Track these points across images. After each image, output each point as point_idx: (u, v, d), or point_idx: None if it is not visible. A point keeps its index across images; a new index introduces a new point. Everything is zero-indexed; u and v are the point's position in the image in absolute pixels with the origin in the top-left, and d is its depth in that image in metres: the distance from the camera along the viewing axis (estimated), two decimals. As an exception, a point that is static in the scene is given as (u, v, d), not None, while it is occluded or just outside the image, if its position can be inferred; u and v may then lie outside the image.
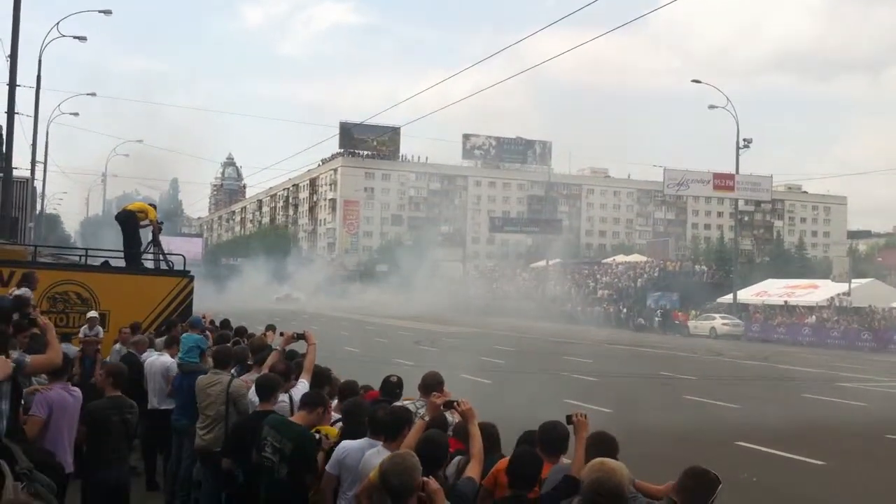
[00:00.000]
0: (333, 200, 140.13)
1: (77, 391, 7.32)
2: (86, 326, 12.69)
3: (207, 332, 11.88)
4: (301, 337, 8.63)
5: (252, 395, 7.79)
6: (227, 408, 8.36)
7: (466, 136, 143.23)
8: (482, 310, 78.99)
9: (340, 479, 5.90)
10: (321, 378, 8.07)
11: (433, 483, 4.55)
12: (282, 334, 9.13)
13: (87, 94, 59.75)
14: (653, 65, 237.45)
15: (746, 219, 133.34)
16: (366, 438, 5.93)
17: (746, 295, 62.57)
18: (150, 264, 15.52)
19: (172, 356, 10.65)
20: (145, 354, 11.03)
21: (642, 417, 17.36)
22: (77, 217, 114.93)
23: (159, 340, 11.73)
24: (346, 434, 6.26)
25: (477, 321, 63.41)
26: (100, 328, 12.63)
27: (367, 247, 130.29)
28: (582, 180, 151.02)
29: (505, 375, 25.51)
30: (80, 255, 17.08)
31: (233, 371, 8.83)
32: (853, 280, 57.62)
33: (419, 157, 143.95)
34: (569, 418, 5.44)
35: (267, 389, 7.19)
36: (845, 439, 16.70)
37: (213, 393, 8.45)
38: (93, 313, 12.89)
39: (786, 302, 59.16)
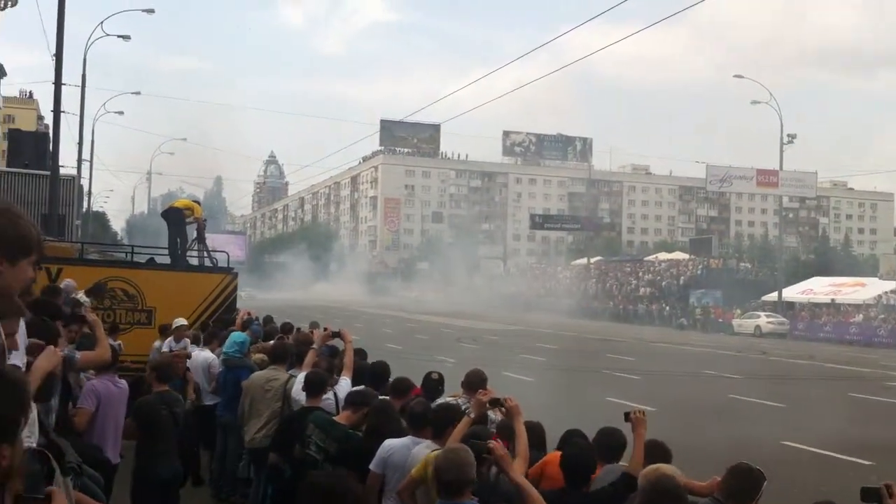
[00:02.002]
0: (374, 198, 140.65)
1: (123, 383, 7.41)
2: (171, 339, 11.58)
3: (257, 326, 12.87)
4: (337, 335, 8.60)
5: (297, 391, 7.79)
6: (283, 406, 8.32)
7: (507, 133, 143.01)
8: (523, 307, 78.77)
9: (385, 477, 5.89)
10: (380, 376, 7.97)
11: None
12: (325, 329, 9.13)
13: (132, 93, 60.50)
14: (694, 60, 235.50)
15: (791, 216, 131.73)
16: (409, 436, 5.93)
17: (791, 293, 61.75)
18: (194, 261, 15.65)
19: (213, 352, 10.79)
20: (191, 349, 11.15)
21: (686, 416, 17.19)
22: (123, 214, 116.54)
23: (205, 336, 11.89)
24: (371, 432, 6.23)
25: (518, 318, 63.24)
26: (187, 341, 11.31)
27: (408, 244, 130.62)
28: (623, 177, 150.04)
29: (547, 373, 25.41)
30: (126, 252, 17.29)
31: (291, 371, 8.80)
32: (901, 278, 56.64)
33: (459, 155, 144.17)
34: (627, 415, 5.39)
35: (316, 386, 7.19)
36: (894, 439, 16.40)
37: (271, 390, 8.44)
38: (180, 321, 11.80)
39: (832, 300, 58.28)
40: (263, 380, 8.61)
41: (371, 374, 8.06)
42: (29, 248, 2.47)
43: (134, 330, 13.11)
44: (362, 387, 7.31)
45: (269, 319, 15.34)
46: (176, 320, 11.84)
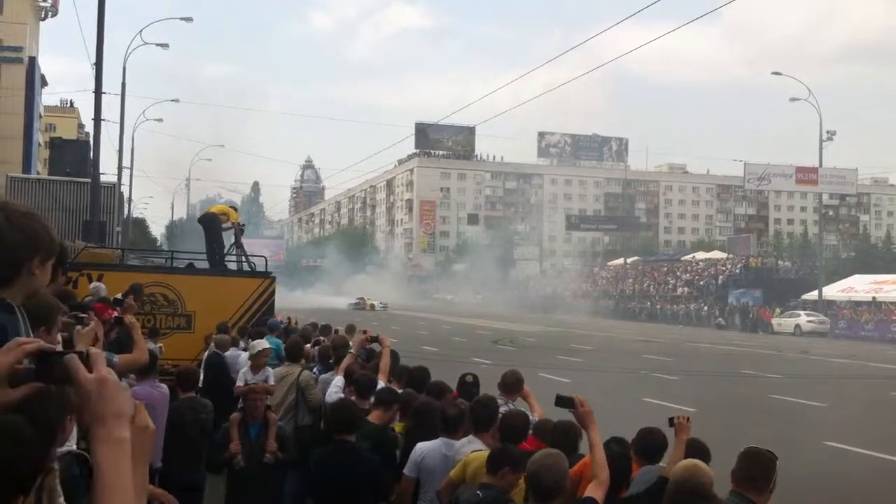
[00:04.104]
0: (410, 201, 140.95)
1: (164, 387, 7.53)
2: (247, 368, 9.45)
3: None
4: (375, 340, 8.70)
5: (331, 395, 7.88)
6: (296, 398, 8.71)
7: (541, 135, 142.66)
8: (560, 308, 78.57)
9: (420, 480, 5.92)
10: (420, 380, 8.03)
11: (587, 404, 4.74)
12: (364, 332, 9.24)
13: (171, 101, 61.31)
14: (730, 58, 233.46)
15: (831, 213, 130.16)
16: (440, 439, 5.94)
17: (832, 291, 61.01)
18: (232, 266, 15.81)
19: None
20: (229, 352, 11.31)
21: (726, 416, 17.06)
22: (162, 220, 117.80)
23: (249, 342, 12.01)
24: (412, 434, 6.27)
25: (554, 319, 63.12)
26: (269, 371, 9.31)
27: (444, 246, 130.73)
28: (659, 176, 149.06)
29: (584, 374, 25.34)
30: (166, 258, 17.50)
31: (315, 367, 9.09)
32: (944, 275, 55.78)
33: (494, 157, 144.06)
34: (671, 420, 5.37)
35: (367, 388, 7.26)
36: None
37: (286, 384, 8.82)
38: (261, 344, 9.69)
39: (873, 298, 57.46)
40: (279, 377, 9.04)
41: (409, 378, 8.13)
42: (55, 251, 2.58)
43: (174, 334, 13.27)
44: (390, 385, 7.40)
45: (313, 326, 15.48)
46: (254, 344, 9.90)
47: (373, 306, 74.46)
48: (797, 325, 53.79)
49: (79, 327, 5.08)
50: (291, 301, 47.77)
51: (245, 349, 11.54)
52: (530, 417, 6.49)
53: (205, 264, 15.38)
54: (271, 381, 9.14)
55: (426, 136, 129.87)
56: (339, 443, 6.03)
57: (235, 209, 16.70)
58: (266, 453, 7.30)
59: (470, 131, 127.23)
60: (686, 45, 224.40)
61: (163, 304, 13.53)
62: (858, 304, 57.99)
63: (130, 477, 1.75)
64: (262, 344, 9.88)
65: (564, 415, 5.19)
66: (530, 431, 6.04)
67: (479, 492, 4.64)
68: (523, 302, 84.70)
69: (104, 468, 1.71)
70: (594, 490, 4.49)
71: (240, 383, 9.26)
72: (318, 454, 6.22)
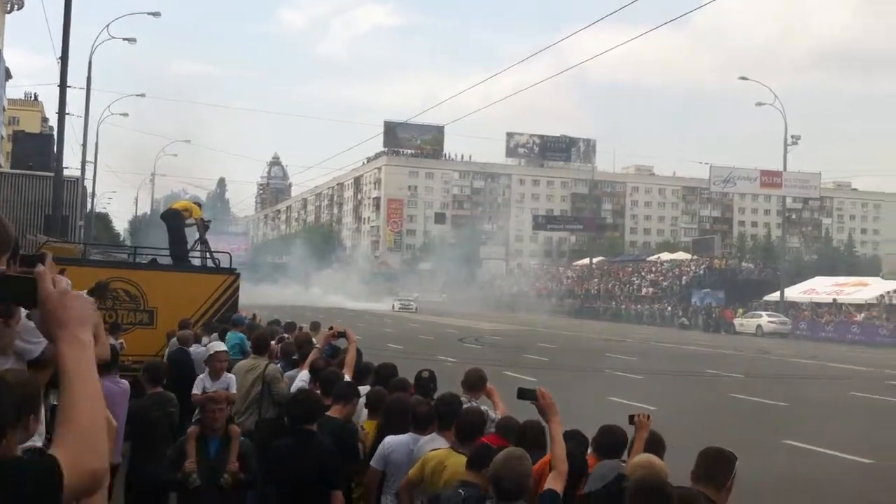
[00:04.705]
0: (377, 199, 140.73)
1: (124, 383, 7.46)
2: (205, 374, 8.84)
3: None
4: (342, 335, 8.71)
5: (296, 388, 7.90)
6: (261, 391, 8.64)
7: (510, 135, 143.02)
8: (525, 307, 78.87)
9: (386, 473, 5.96)
10: (386, 377, 8.06)
11: (549, 396, 4.78)
12: (330, 328, 9.24)
13: (137, 95, 60.75)
14: (698, 62, 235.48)
15: (794, 216, 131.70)
16: (409, 434, 5.99)
17: (794, 293, 61.80)
18: (196, 262, 15.70)
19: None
20: (192, 348, 11.25)
21: (688, 415, 17.22)
22: (126, 216, 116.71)
23: (213, 337, 11.93)
24: (384, 431, 6.29)
25: (520, 319, 63.31)
26: (231, 378, 8.71)
27: (411, 245, 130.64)
28: (626, 178, 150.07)
29: (549, 373, 25.43)
30: (129, 253, 17.34)
31: (278, 364, 9.06)
32: (903, 278, 56.66)
33: (463, 156, 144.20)
34: (631, 418, 5.40)
35: (330, 383, 7.27)
36: (894, 438, 16.42)
37: (252, 376, 8.75)
38: (217, 345, 9.26)
39: (834, 300, 58.27)
40: (245, 369, 8.95)
41: (376, 375, 8.17)
42: (9, 244, 2.59)
43: (135, 330, 13.17)
44: (348, 380, 7.42)
45: (275, 323, 15.41)
46: (210, 346, 9.58)
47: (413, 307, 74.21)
48: (759, 326, 54.39)
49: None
50: (257, 297, 47.50)
51: (207, 345, 11.47)
52: (492, 415, 6.54)
53: (168, 260, 15.27)
54: (233, 389, 8.53)
55: (395, 134, 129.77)
56: (297, 432, 6.03)
57: (199, 205, 16.57)
58: (224, 473, 6.44)
59: (439, 130, 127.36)
60: (655, 49, 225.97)
61: (125, 299, 13.42)
62: (819, 305, 58.76)
63: (95, 372, 1.89)
64: (219, 345, 9.39)
65: (529, 413, 5.21)
66: (492, 429, 6.06)
67: (461, 490, 4.65)
68: (489, 301, 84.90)
69: (69, 364, 1.83)
70: (553, 482, 4.52)
71: (196, 391, 8.54)
72: (276, 443, 6.23)
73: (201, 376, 8.86)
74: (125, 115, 59.86)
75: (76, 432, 1.77)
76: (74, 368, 1.84)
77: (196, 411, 7.67)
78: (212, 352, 9.00)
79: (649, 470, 4.13)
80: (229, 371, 8.88)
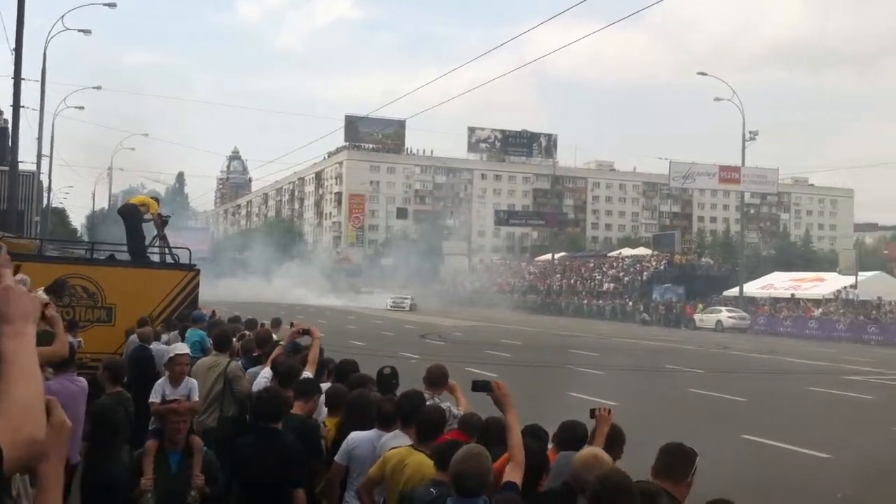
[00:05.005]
0: (339, 194, 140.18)
1: (82, 381, 7.34)
2: (164, 380, 8.32)
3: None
4: (306, 332, 8.69)
5: (258, 385, 7.85)
6: (223, 389, 8.56)
7: (472, 130, 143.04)
8: (488, 303, 79.04)
9: (349, 469, 5.96)
10: (346, 373, 8.04)
11: (504, 387, 4.84)
12: (292, 325, 9.20)
13: (93, 88, 60.02)
14: (658, 57, 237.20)
15: (752, 212, 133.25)
16: (374, 430, 5.99)
17: (752, 288, 62.52)
18: (156, 258, 15.53)
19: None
20: (153, 345, 11.13)
21: (648, 410, 17.35)
22: (83, 211, 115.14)
23: (172, 335, 11.81)
24: (345, 429, 6.25)
25: (483, 314, 63.42)
26: (193, 384, 8.24)
27: (373, 240, 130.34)
28: (587, 173, 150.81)
29: (511, 368, 25.50)
30: (86, 249, 17.11)
31: (239, 361, 8.99)
32: (860, 273, 57.59)
33: (424, 151, 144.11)
34: (592, 412, 5.42)
35: (288, 377, 7.26)
36: (851, 432, 16.68)
37: (213, 373, 8.67)
38: (180, 347, 8.85)
39: (792, 295, 59.07)
40: (206, 366, 8.87)
41: (337, 371, 8.16)
42: None
43: (93, 327, 13.00)
44: (310, 376, 7.39)
45: (235, 319, 15.27)
46: (169, 348, 9.07)
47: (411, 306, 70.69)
48: (719, 321, 54.97)
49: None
50: (218, 293, 47.13)
51: (168, 343, 11.33)
52: (455, 411, 6.54)
53: (127, 256, 15.08)
54: (195, 396, 8.03)
55: (356, 129, 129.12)
56: (261, 430, 6.00)
57: (157, 200, 16.38)
58: (191, 490, 5.91)
59: (400, 125, 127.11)
60: (615, 44, 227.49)
61: (82, 296, 13.24)
62: (777, 300, 59.54)
63: (36, 360, 1.93)
64: (179, 347, 8.84)
65: (493, 409, 5.20)
66: (455, 426, 6.05)
67: (432, 489, 4.64)
68: (451, 297, 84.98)
69: (10, 355, 1.88)
70: (512, 473, 4.53)
71: (155, 398, 7.86)
72: (240, 441, 6.19)
73: (160, 381, 8.29)
74: (81, 108, 59.16)
75: (14, 403, 1.82)
76: (15, 357, 1.88)
77: (152, 420, 7.26)
78: (172, 354, 8.40)
79: (599, 463, 4.14)
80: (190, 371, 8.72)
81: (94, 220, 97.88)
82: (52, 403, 1.97)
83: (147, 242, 15.44)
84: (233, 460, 6.24)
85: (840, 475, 12.73)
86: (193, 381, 8.23)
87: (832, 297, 56.22)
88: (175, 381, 8.12)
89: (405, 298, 73.53)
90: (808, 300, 57.31)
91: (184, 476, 5.97)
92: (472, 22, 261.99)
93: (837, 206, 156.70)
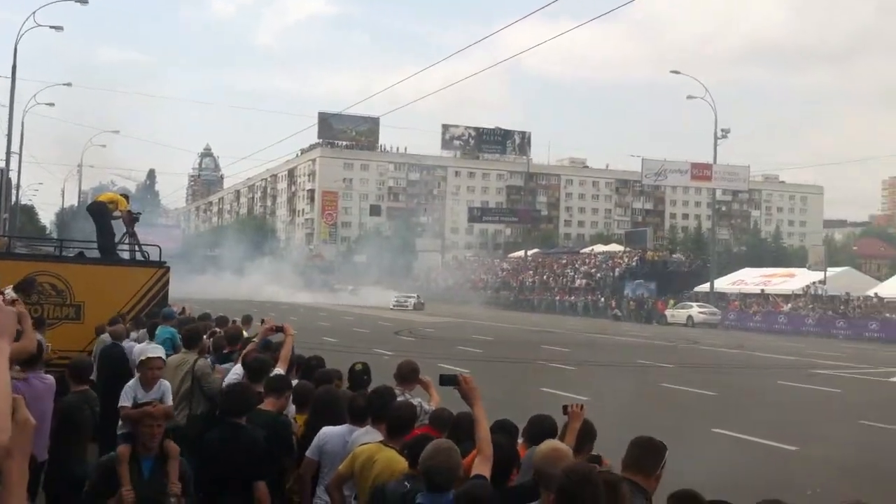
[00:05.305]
0: (312, 191, 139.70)
1: (49, 378, 7.28)
2: (135, 382, 7.91)
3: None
4: (280, 329, 8.68)
5: (229, 381, 7.89)
6: (192, 386, 8.54)
7: (445, 127, 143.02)
8: (461, 299, 79.09)
9: (321, 464, 5.96)
10: (312, 370, 8.03)
11: (471, 381, 4.88)
12: (262, 321, 9.19)
13: (64, 84, 59.42)
14: (631, 56, 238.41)
15: (724, 209, 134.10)
16: (346, 425, 5.99)
17: (723, 284, 63.01)
18: (126, 255, 15.39)
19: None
20: (124, 343, 11.05)
21: (619, 405, 17.44)
22: (53, 208, 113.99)
23: (141, 332, 11.72)
24: (313, 425, 6.24)
25: (455, 311, 63.46)
26: (166, 386, 7.99)
27: (346, 237, 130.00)
28: (560, 170, 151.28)
29: (483, 365, 25.55)
30: (55, 246, 16.95)
31: (209, 358, 8.97)
32: (829, 269, 58.22)
33: (398, 148, 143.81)
34: (565, 408, 5.44)
35: (257, 372, 7.26)
36: (819, 425, 16.88)
37: (181, 371, 8.66)
38: (154, 349, 8.40)
39: (762, 290, 59.62)
40: (174, 364, 8.83)
41: (305, 368, 8.15)
42: None
43: (62, 325, 12.87)
44: (282, 373, 7.39)
45: (205, 317, 15.18)
46: (141, 349, 8.64)
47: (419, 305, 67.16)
48: (689, 317, 55.35)
49: None
50: (190, 291, 46.83)
51: (137, 340, 11.26)
52: (426, 407, 6.55)
53: (96, 253, 14.94)
54: (169, 400, 7.70)
55: (329, 126, 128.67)
56: (226, 424, 6.02)
57: (126, 197, 16.23)
58: (169, 497, 5.59)
59: (374, 122, 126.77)
60: (589, 42, 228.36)
61: (51, 293, 13.11)
62: (748, 296, 60.08)
63: (6, 371, 1.96)
64: (153, 349, 8.30)
65: (463, 405, 5.21)
66: (426, 421, 6.07)
67: (406, 482, 4.65)
68: (425, 293, 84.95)
69: None
70: (480, 467, 4.54)
71: (125, 402, 7.42)
72: (205, 437, 6.19)
73: (130, 384, 7.83)
74: (51, 104, 58.65)
75: None
76: None
77: (121, 424, 6.97)
78: (144, 357, 7.90)
79: (559, 456, 4.17)
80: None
81: (63, 217, 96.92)
82: (17, 402, 1.96)
83: (117, 240, 15.31)
84: (199, 455, 6.20)
85: (808, 467, 12.88)
86: (167, 384, 7.93)
87: (801, 292, 56.81)
88: (147, 384, 7.78)
89: (409, 297, 69.65)
90: (778, 295, 57.86)
91: (157, 483, 5.63)
92: (447, 19, 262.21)
93: (807, 202, 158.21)
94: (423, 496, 4.30)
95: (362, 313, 56.52)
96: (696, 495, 4.19)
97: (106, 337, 11.41)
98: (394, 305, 66.41)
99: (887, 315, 47.98)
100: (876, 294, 52.25)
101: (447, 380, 4.98)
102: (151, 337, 11.08)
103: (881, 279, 65.33)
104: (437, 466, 4.23)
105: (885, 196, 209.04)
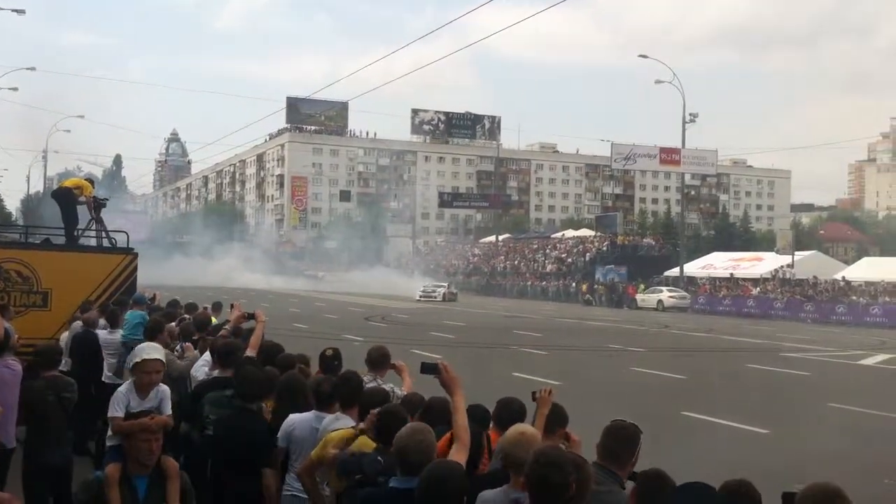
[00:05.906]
0: (281, 176, 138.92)
1: (16, 365, 7.17)
2: (128, 389, 6.55)
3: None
4: (251, 316, 8.61)
5: (196, 369, 7.98)
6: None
7: (415, 111, 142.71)
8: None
9: (289, 451, 5.92)
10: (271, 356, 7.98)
11: (451, 369, 4.89)
12: (232, 306, 9.12)
13: (27, 69, 58.58)
14: (599, 40, 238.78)
15: (692, 193, 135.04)
16: (313, 411, 5.94)
17: (692, 268, 63.49)
18: (93, 241, 15.20)
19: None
20: (97, 330, 10.99)
21: (590, 389, 17.53)
22: (18, 194, 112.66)
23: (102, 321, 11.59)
24: (280, 413, 6.20)
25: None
26: (165, 392, 6.74)
27: (316, 223, 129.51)
28: (531, 155, 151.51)
29: (455, 350, 25.56)
30: (21, 233, 16.71)
31: (178, 345, 8.89)
32: (796, 252, 58.79)
33: (367, 133, 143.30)
34: (534, 394, 5.42)
35: (227, 356, 7.25)
36: (788, 408, 17.04)
37: None
38: (152, 350, 6.78)
39: (731, 274, 60.09)
40: None
41: (264, 355, 8.08)
42: None
43: (29, 312, 12.69)
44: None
45: (174, 303, 15.01)
46: (137, 350, 6.82)
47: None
48: (660, 301, 55.71)
49: None
50: (160, 277, 46.44)
51: (105, 328, 11.11)
52: (398, 392, 6.52)
53: (63, 240, 14.74)
54: (167, 409, 6.53)
55: (298, 110, 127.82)
56: (241, 410, 6.19)
57: (92, 182, 16.01)
58: None
59: (343, 106, 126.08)
60: (557, 27, 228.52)
61: (17, 280, 12.92)
62: (717, 280, 60.54)
63: None
64: (150, 351, 6.72)
65: (438, 389, 5.18)
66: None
67: (379, 458, 4.63)
68: (395, 279, 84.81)
69: None
70: (457, 454, 4.54)
71: (117, 412, 6.19)
72: (222, 418, 6.37)
73: (122, 390, 6.56)
74: (15, 89, 57.98)
75: None
76: None
77: (110, 435, 6.15)
78: (138, 359, 6.53)
79: (526, 439, 4.17)
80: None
81: (29, 203, 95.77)
82: None
83: (82, 226, 15.11)
84: (214, 436, 6.35)
85: (778, 450, 12.99)
86: (165, 390, 6.68)
87: (769, 276, 57.34)
88: (142, 390, 6.48)
89: (439, 286, 63.47)
90: (747, 279, 58.34)
91: None
92: (414, 2, 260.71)
93: (775, 187, 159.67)
94: (396, 481, 4.27)
95: (357, 301, 56.31)
96: (662, 474, 4.19)
97: (78, 324, 11.30)
98: (420, 296, 60.73)
99: (854, 298, 48.53)
100: (843, 277, 52.82)
101: (428, 368, 4.97)
102: (114, 325, 10.95)
103: (848, 263, 66.14)
104: (413, 447, 4.21)
105: (851, 180, 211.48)
